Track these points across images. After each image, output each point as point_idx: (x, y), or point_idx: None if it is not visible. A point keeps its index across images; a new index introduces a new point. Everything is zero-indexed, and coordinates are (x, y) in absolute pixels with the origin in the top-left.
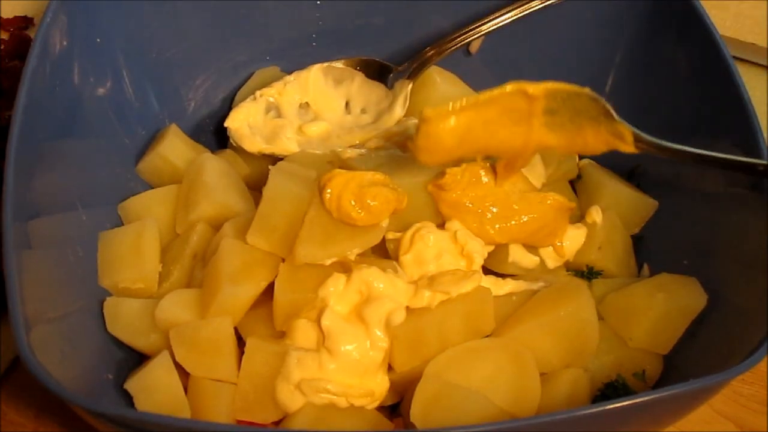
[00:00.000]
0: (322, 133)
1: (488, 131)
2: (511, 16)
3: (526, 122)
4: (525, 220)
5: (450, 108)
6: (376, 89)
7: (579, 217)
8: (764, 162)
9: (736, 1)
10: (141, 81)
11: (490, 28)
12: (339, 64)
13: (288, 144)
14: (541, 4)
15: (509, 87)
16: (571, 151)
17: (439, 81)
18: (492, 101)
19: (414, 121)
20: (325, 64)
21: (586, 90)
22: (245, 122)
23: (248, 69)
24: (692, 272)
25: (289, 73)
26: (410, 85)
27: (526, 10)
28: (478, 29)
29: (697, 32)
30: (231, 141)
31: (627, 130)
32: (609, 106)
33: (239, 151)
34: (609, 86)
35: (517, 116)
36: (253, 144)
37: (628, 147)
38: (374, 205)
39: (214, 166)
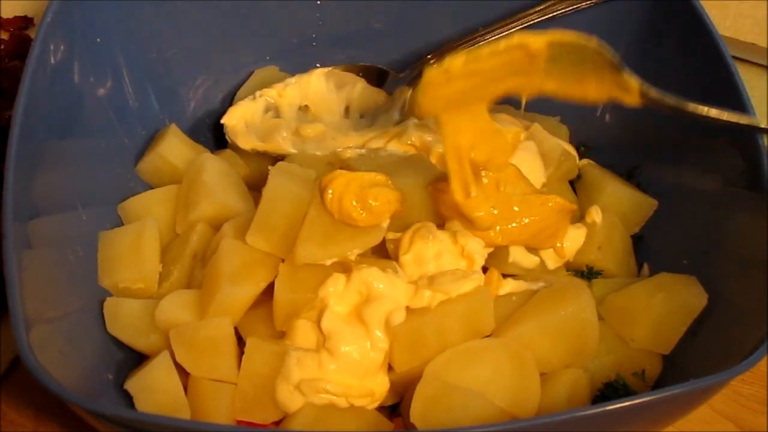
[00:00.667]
0: (317, 135)
1: (487, 82)
2: (514, 27)
3: (526, 72)
4: (526, 222)
5: (449, 67)
6: (377, 96)
7: (579, 217)
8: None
9: (736, 1)
10: (141, 81)
11: (491, 39)
12: (341, 70)
13: (282, 143)
14: (541, 17)
15: (512, 41)
16: (570, 98)
17: None
18: (493, 55)
19: (414, 121)
20: (328, 69)
21: (593, 41)
22: (242, 120)
23: (248, 69)
24: (692, 272)
25: (289, 72)
26: (410, 92)
27: (527, 22)
28: (481, 38)
29: (697, 32)
30: (226, 137)
31: (634, 82)
32: (616, 57)
33: (237, 150)
34: None
35: (517, 67)
36: (248, 141)
37: (632, 98)
38: (376, 205)
39: (214, 166)
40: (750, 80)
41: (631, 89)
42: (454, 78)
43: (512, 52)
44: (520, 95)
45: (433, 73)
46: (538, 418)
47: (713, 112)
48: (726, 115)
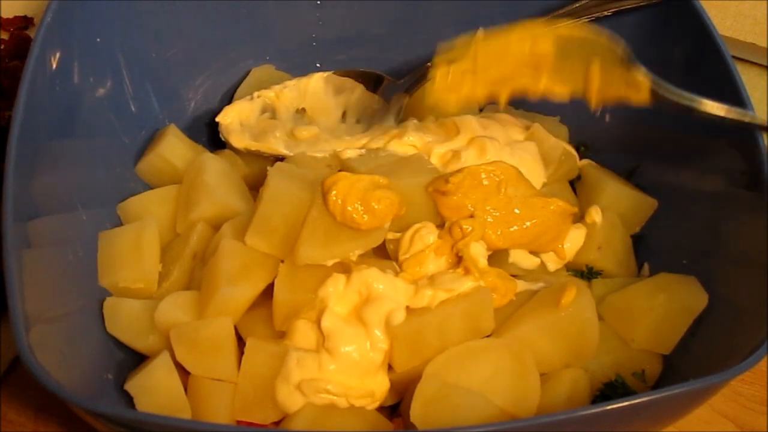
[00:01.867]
0: (311, 137)
1: (494, 76)
2: None
3: (534, 67)
4: (527, 225)
5: (458, 58)
6: (375, 102)
7: (579, 217)
8: None
9: (736, 1)
10: (141, 81)
11: None
12: (340, 75)
13: (275, 143)
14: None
15: (520, 32)
16: (580, 96)
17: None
18: (503, 40)
19: (414, 121)
20: (327, 74)
21: (604, 36)
22: (237, 119)
23: (248, 69)
24: (692, 272)
25: (289, 72)
26: (406, 99)
27: None
28: None
29: (697, 32)
30: (220, 136)
31: (645, 79)
32: (627, 53)
33: (233, 149)
34: None
35: (525, 61)
36: (241, 140)
37: (642, 96)
38: (379, 208)
39: (214, 166)
40: (750, 80)
41: (641, 86)
42: (463, 66)
43: (520, 44)
44: (527, 95)
45: (441, 71)
46: (538, 418)
47: (722, 110)
48: (733, 113)
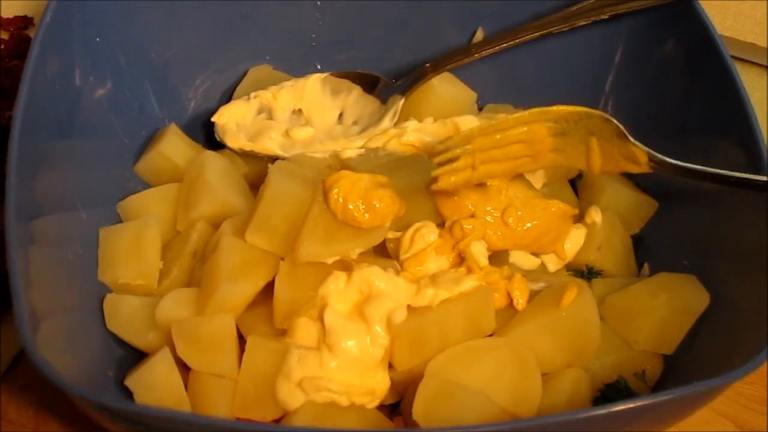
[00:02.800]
0: (307, 138)
1: (499, 165)
2: (510, 42)
3: (533, 157)
4: (528, 227)
5: (454, 161)
6: (371, 104)
7: (579, 217)
8: None
9: (736, 1)
10: (141, 81)
11: (488, 53)
12: (338, 76)
13: (269, 144)
14: (537, 32)
15: (514, 120)
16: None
17: (436, 82)
18: (498, 130)
19: (413, 121)
20: (324, 75)
21: (598, 112)
22: (233, 119)
23: (247, 69)
24: (692, 272)
25: (289, 72)
26: (402, 101)
27: (524, 37)
28: (477, 51)
29: (697, 32)
30: (215, 136)
31: (641, 152)
32: (622, 127)
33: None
34: (608, 86)
35: (523, 148)
36: (236, 140)
37: (641, 168)
38: (380, 207)
39: (215, 165)
40: (750, 80)
41: (639, 159)
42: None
43: (517, 131)
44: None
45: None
46: (540, 418)
47: (725, 174)
48: (738, 175)
